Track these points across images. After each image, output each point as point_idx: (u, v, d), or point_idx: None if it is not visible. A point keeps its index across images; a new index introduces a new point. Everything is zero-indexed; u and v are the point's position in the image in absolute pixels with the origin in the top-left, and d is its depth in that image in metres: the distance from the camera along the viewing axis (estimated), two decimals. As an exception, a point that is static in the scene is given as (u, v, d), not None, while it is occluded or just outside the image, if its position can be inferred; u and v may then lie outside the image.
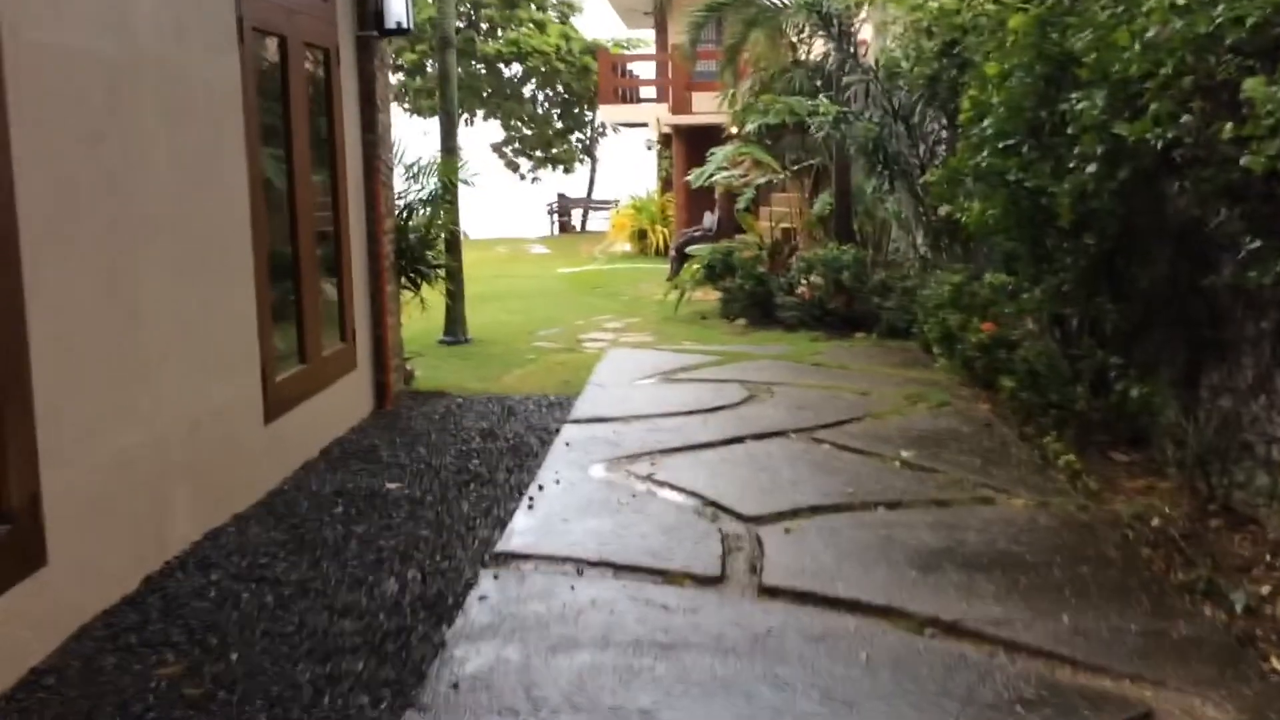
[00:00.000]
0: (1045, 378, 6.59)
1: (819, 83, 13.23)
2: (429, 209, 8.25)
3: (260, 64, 5.81)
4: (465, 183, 8.96)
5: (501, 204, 41.80)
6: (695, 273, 12.78)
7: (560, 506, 5.35)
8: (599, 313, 13.35)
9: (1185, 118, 4.58)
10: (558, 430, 6.92)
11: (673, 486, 5.64)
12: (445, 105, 10.54)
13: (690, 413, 7.24)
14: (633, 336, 11.38)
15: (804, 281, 11.35)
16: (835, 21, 10.52)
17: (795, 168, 13.57)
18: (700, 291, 13.10)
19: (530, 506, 5.37)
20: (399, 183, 8.02)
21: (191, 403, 4.89)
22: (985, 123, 6.67)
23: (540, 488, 5.67)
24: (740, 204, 12.64)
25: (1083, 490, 5.54)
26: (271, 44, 5.96)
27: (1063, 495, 5.44)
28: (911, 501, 5.32)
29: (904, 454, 6.12)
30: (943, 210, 9.74)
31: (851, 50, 11.01)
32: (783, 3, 13.57)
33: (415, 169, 8.24)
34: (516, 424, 7.15)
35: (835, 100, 11.15)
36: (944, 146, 9.93)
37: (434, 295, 8.90)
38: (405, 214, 8.08)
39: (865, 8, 11.60)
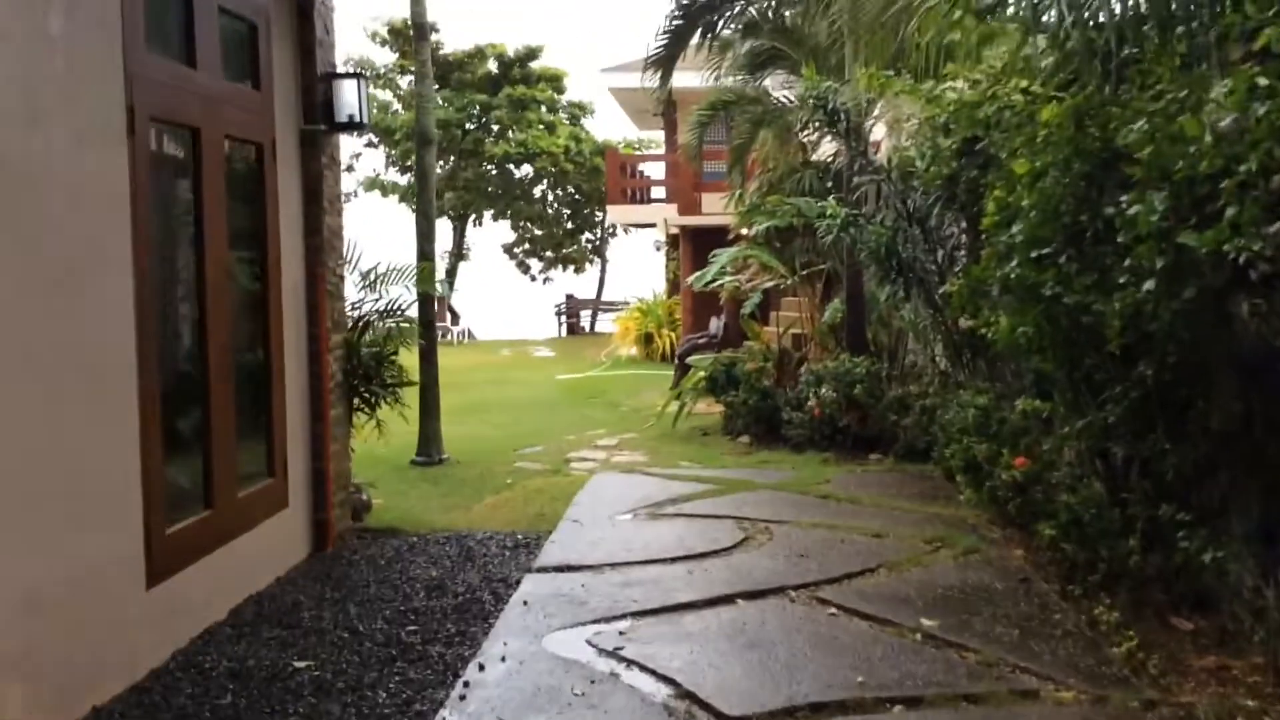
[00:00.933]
0: (1090, 527, 5.58)
1: (830, 184, 12.48)
2: (388, 321, 7.35)
3: (162, 160, 4.98)
4: (437, 293, 8.09)
5: (512, 305, 41.35)
6: (697, 384, 11.86)
7: (499, 698, 4.32)
8: (593, 426, 12.40)
9: (1276, 226, 3.65)
10: (518, 582, 5.90)
11: (642, 667, 4.61)
12: (423, 207, 9.72)
13: (674, 560, 6.22)
14: (625, 455, 10.41)
15: (813, 396, 10.40)
16: (843, 118, 9.74)
17: (805, 272, 12.72)
18: (704, 403, 12.16)
19: (462, 697, 4.34)
20: (353, 292, 7.17)
21: (34, 568, 3.93)
22: (1014, 229, 5.77)
23: (481, 667, 4.65)
24: (745, 309, 11.73)
25: (1146, 678, 4.49)
26: (182, 136, 5.14)
27: (1122, 685, 4.38)
28: (936, 697, 4.26)
29: (925, 623, 5.07)
30: (965, 323, 8.84)
31: (861, 149, 10.21)
32: (789, 100, 12.91)
33: (373, 277, 7.36)
34: (472, 573, 6.14)
35: (845, 201, 10.34)
36: (964, 252, 9.05)
37: (400, 415, 7.96)
38: (359, 327, 7.18)
39: (878, 105, 10.87)
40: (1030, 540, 6.44)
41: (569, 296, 31.40)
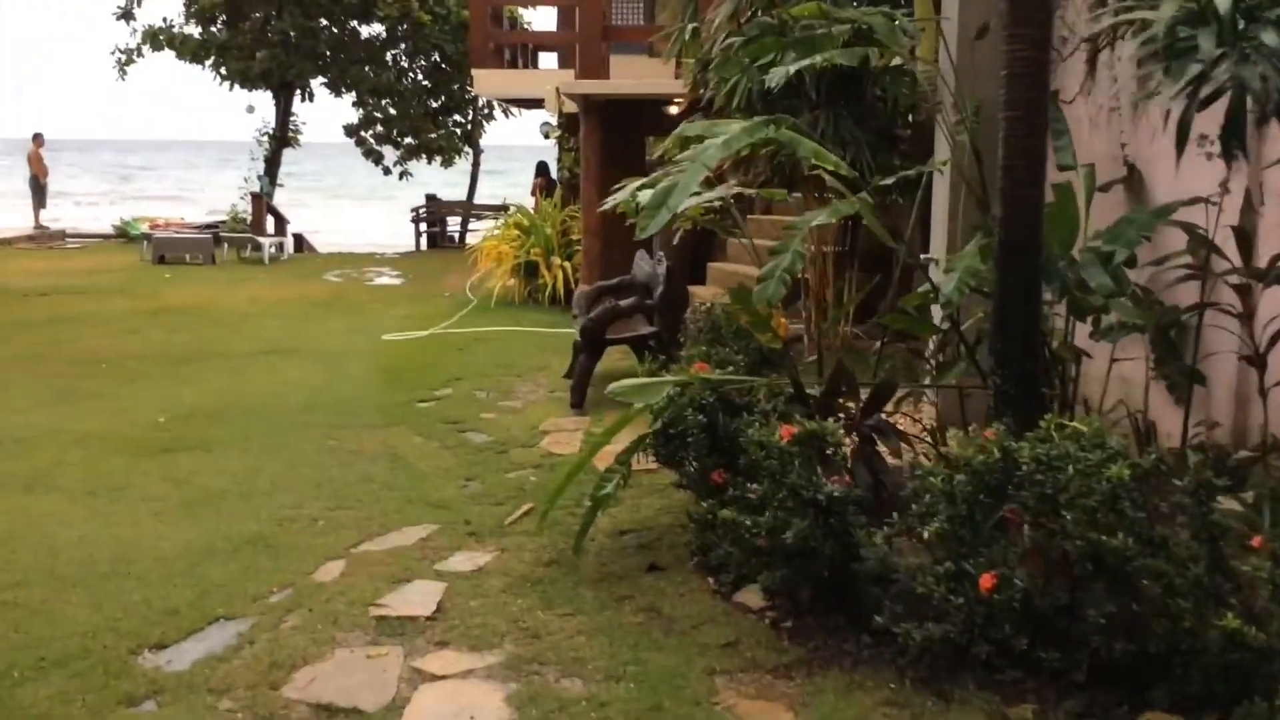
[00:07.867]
0: None
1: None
2: None
3: None
4: None
5: (369, 205, 33.80)
6: (637, 441, 5.12)
7: None
8: (394, 517, 5.59)
9: None
10: None
11: None
12: None
13: None
14: None
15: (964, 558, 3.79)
16: None
17: (891, 179, 5.92)
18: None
19: None
20: None
21: None
22: None
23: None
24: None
25: None
26: None
27: None
28: None
29: None
30: None
31: None
32: None
33: None
34: None
35: None
36: None
37: None
38: None
39: None
40: None
41: (429, 198, 23.95)
